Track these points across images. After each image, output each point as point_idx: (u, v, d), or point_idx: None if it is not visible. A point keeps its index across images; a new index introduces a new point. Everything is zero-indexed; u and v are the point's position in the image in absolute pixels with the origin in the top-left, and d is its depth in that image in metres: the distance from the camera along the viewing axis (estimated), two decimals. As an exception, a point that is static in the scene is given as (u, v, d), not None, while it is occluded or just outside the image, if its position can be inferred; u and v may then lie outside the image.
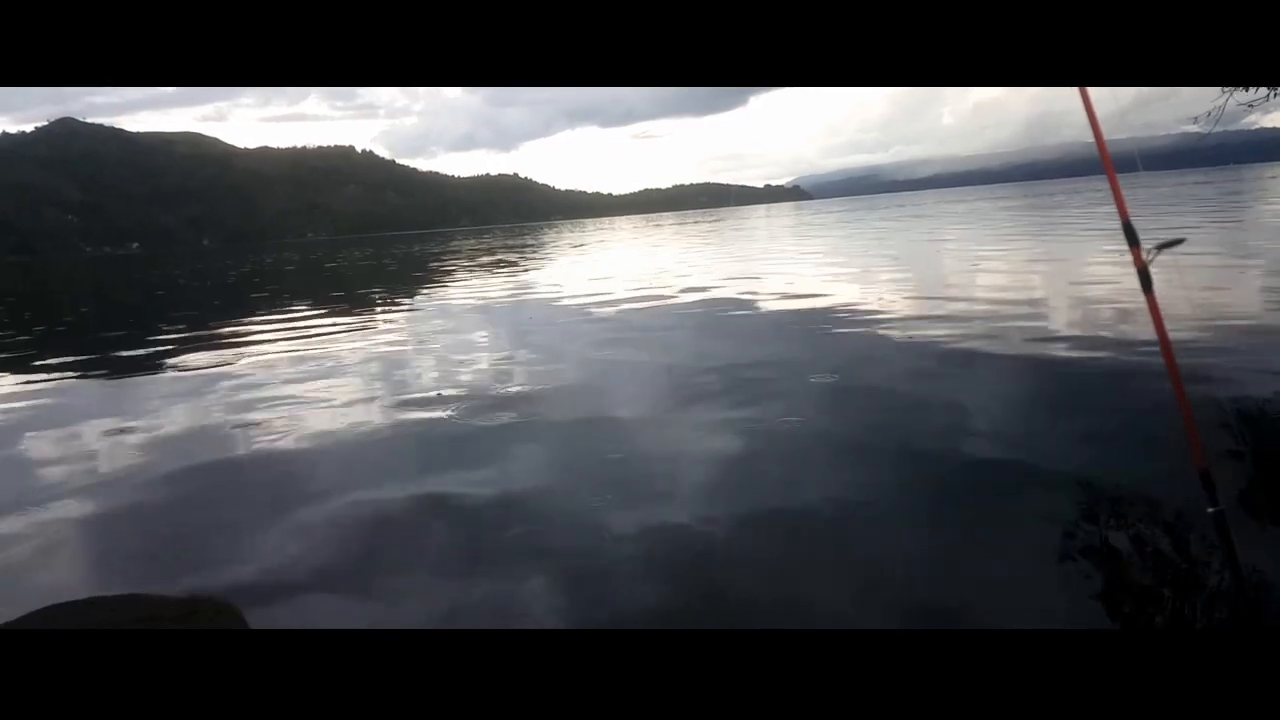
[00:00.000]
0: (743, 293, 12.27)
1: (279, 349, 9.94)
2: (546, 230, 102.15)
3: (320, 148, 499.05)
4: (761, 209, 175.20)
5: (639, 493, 4.03)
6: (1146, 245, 2.13)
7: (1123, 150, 2.51)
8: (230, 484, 4.74)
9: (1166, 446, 3.83)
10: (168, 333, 12.97)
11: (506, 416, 5.66)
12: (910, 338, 7.60)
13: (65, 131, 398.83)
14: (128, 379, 8.95)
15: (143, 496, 4.56)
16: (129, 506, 4.41)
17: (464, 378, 7.25)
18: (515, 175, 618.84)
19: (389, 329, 11.60)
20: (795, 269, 16.32)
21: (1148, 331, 2.67)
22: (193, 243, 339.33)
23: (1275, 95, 7.97)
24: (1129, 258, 2.15)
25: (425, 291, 18.58)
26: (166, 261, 69.65)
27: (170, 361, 9.62)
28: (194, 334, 12.60)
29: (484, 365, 7.86)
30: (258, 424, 5.99)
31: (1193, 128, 8.41)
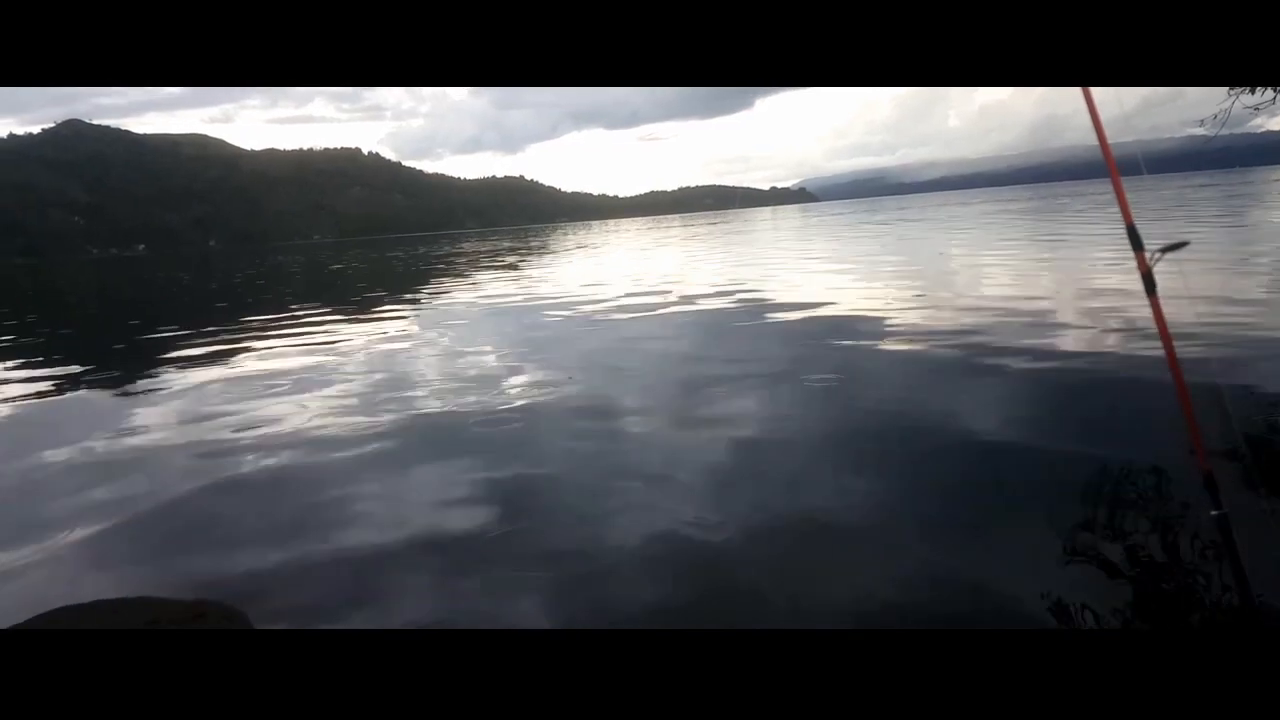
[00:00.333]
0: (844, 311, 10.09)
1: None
2: (555, 231, 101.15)
3: (326, 149, 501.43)
4: (767, 211, 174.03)
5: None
6: (1150, 248, 2.13)
7: (1128, 153, 2.49)
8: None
9: (1169, 449, 3.83)
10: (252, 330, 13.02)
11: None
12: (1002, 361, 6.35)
13: (71, 133, 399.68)
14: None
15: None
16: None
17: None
18: (521, 178, 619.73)
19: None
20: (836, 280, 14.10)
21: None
22: (199, 244, 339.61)
23: (1281, 97, 7.95)
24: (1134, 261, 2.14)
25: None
26: (185, 263, 69.27)
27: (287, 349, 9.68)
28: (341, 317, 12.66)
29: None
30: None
31: (1199, 131, 8.38)
